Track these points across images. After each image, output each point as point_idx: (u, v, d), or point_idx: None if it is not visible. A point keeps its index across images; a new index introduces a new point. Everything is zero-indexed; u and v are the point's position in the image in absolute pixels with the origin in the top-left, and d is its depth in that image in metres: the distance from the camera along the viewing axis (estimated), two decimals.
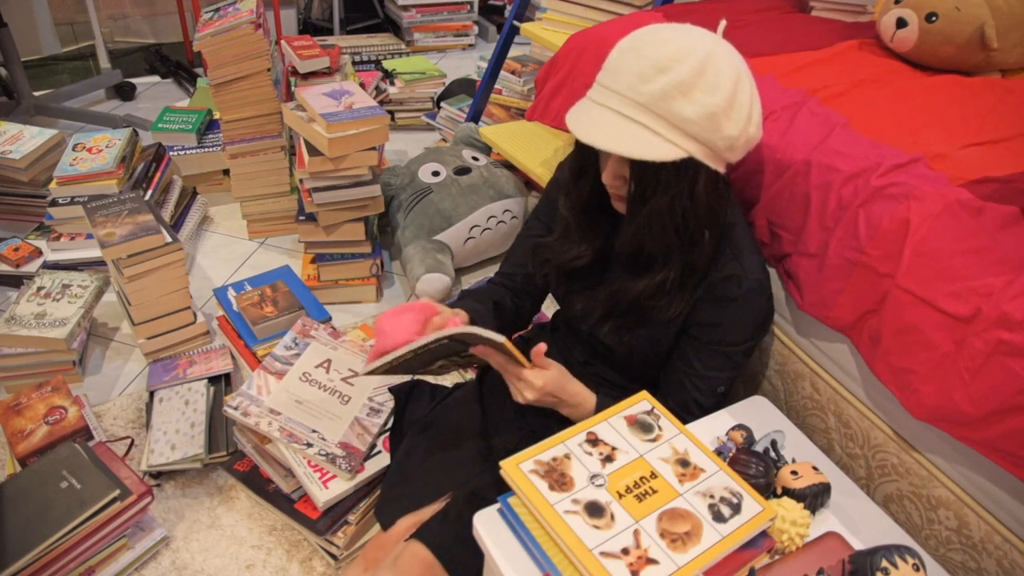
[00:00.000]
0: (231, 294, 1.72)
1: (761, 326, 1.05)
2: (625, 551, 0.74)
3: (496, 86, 2.40)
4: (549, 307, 1.75)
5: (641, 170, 0.92)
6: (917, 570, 0.79)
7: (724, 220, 1.00)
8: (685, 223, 0.95)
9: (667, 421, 0.90)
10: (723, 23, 0.98)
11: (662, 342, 1.08)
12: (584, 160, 1.04)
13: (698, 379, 1.06)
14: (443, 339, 0.91)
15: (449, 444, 1.20)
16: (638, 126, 0.89)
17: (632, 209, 0.98)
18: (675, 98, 0.87)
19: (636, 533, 0.76)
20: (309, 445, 1.26)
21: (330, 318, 1.67)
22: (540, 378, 0.98)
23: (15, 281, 1.80)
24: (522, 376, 0.98)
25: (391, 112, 2.70)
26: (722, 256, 1.01)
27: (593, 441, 0.87)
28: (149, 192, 1.90)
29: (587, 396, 1.04)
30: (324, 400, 1.35)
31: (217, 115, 2.00)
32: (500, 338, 0.90)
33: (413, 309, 1.03)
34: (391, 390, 1.36)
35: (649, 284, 1.01)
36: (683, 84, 0.86)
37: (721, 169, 0.95)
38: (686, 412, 1.07)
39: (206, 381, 1.51)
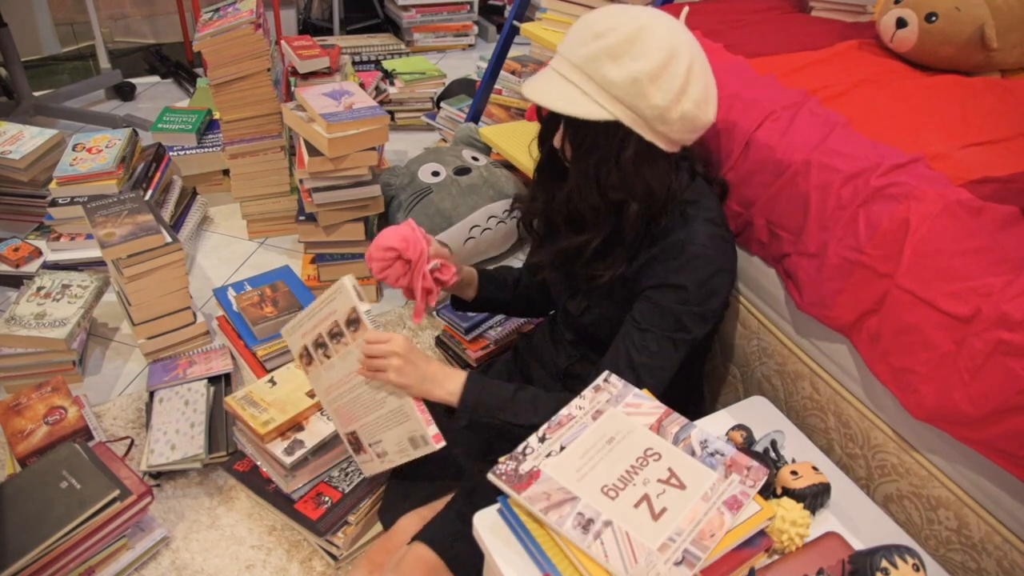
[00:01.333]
0: (231, 294, 1.72)
1: (706, 296, 1.03)
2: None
3: (496, 86, 2.39)
4: None
5: (575, 130, 1.00)
6: (917, 570, 0.79)
7: (666, 196, 1.02)
8: (610, 187, 1.00)
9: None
10: (685, 10, 1.05)
11: (615, 311, 1.09)
12: (547, 127, 1.11)
13: (634, 333, 1.05)
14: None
15: (448, 441, 1.20)
16: (570, 85, 0.96)
17: (570, 170, 1.05)
18: (603, 61, 0.93)
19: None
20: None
21: None
22: (389, 336, 1.03)
23: (15, 281, 1.80)
24: (377, 337, 1.03)
25: (391, 112, 2.70)
26: (673, 228, 1.03)
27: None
28: (149, 192, 1.90)
29: (450, 370, 1.06)
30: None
31: (217, 115, 2.00)
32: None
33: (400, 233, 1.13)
34: None
35: (576, 242, 1.07)
36: (612, 49, 0.93)
37: (659, 143, 0.97)
38: (620, 374, 1.04)
39: (206, 381, 1.51)
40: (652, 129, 0.96)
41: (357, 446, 1.18)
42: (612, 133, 0.96)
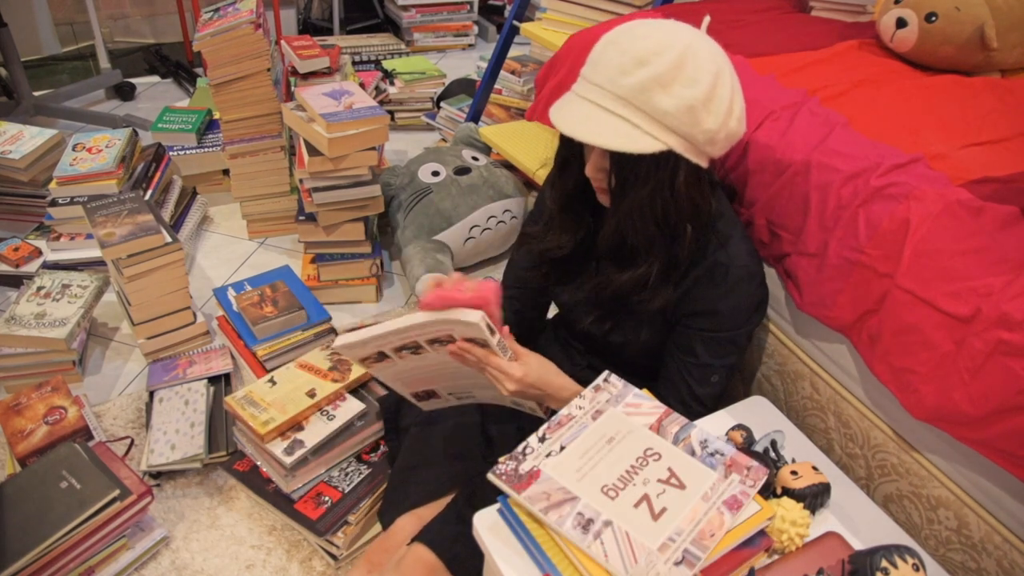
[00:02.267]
0: (231, 294, 1.72)
1: (753, 313, 1.05)
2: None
3: (496, 86, 2.40)
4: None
5: (621, 163, 0.93)
6: (917, 570, 0.79)
7: (708, 212, 1.00)
8: (666, 216, 0.96)
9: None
10: (707, 19, 0.99)
11: (648, 333, 1.09)
12: (568, 153, 1.05)
13: (693, 367, 1.06)
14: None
15: (448, 441, 1.20)
16: (617, 119, 0.90)
17: (614, 202, 0.98)
18: (654, 91, 0.87)
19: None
20: None
21: (330, 318, 1.67)
22: (519, 369, 0.97)
23: (15, 281, 1.80)
24: (502, 368, 0.97)
25: (391, 112, 2.70)
26: (708, 246, 1.01)
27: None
28: (149, 192, 1.90)
29: (574, 389, 1.02)
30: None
31: (217, 115, 2.00)
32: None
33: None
34: (379, 400, 1.37)
35: (632, 277, 1.02)
36: (662, 77, 0.87)
37: (702, 163, 0.95)
38: (685, 406, 1.07)
39: (206, 381, 1.51)
40: (700, 152, 0.93)
41: (425, 396, 1.14)
42: (664, 162, 0.92)
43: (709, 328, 1.04)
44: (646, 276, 1.01)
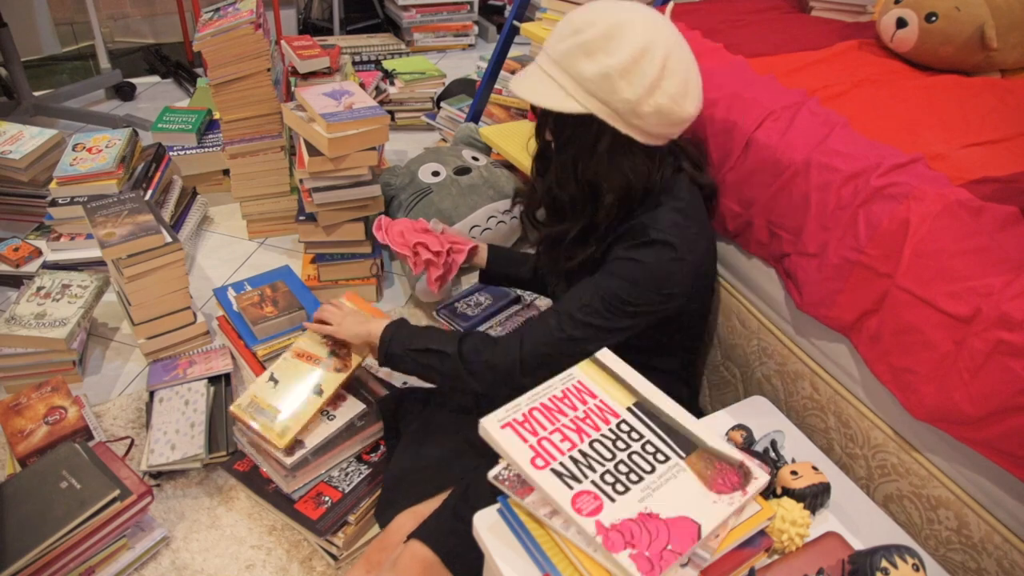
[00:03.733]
0: (231, 294, 1.72)
1: (648, 289, 1.02)
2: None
3: (496, 86, 2.39)
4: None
5: (554, 122, 1.06)
6: (917, 570, 0.79)
7: (640, 187, 1.04)
8: (586, 178, 1.05)
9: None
10: (670, 5, 1.10)
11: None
12: (540, 120, 1.13)
13: (567, 300, 1.07)
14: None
15: (445, 439, 1.21)
16: (550, 80, 1.01)
17: (552, 160, 1.10)
18: (578, 56, 0.97)
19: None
20: None
21: None
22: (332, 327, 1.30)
23: (15, 281, 1.80)
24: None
25: (391, 112, 2.70)
26: (635, 213, 1.06)
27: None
28: (149, 192, 1.90)
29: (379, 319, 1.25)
30: None
31: (217, 115, 2.00)
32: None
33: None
34: (378, 400, 1.37)
35: (555, 230, 1.13)
36: (587, 45, 0.96)
37: (635, 135, 0.99)
38: (553, 312, 1.08)
39: (206, 381, 1.51)
40: (627, 122, 0.98)
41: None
42: (588, 125, 1.00)
43: (613, 268, 1.04)
44: (565, 232, 1.11)
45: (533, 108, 1.17)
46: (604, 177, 1.04)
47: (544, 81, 1.01)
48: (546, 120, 1.09)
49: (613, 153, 1.02)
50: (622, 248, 1.04)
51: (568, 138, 1.04)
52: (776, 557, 0.85)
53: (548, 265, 1.25)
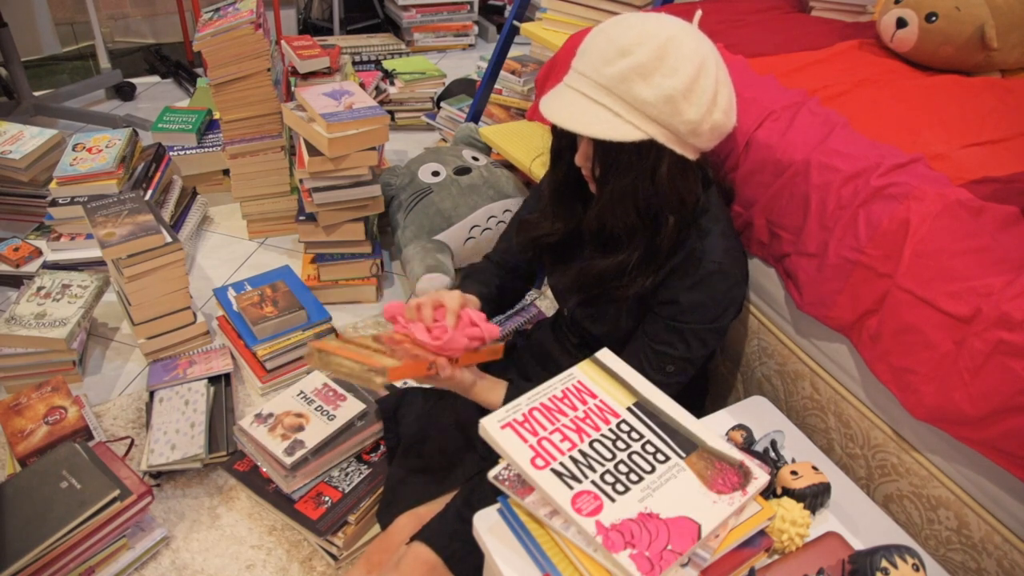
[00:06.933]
0: (231, 294, 1.72)
1: (720, 313, 1.03)
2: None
3: (496, 86, 2.39)
4: (549, 308, 1.76)
5: (604, 151, 0.95)
6: (917, 570, 0.79)
7: (693, 205, 1.01)
8: (647, 205, 0.98)
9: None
10: (698, 13, 1.01)
11: (628, 322, 1.10)
12: (561, 143, 1.07)
13: (650, 350, 1.06)
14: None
15: (446, 441, 1.21)
16: (600, 107, 0.92)
17: (598, 189, 1.01)
18: (634, 80, 0.89)
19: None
20: None
21: (330, 318, 1.67)
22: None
23: (15, 281, 1.81)
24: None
25: (391, 112, 2.70)
26: (688, 238, 1.02)
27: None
28: (149, 192, 1.90)
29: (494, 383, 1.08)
30: None
31: (217, 115, 2.00)
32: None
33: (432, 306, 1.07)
34: (377, 402, 1.37)
35: (613, 263, 1.04)
36: (642, 67, 0.89)
37: (688, 154, 0.96)
38: None
39: (206, 381, 1.51)
40: (683, 143, 0.94)
41: None
42: (646, 151, 0.93)
43: (671, 316, 1.04)
44: (626, 263, 1.03)
45: (554, 131, 1.06)
46: (663, 200, 0.97)
47: (592, 109, 0.92)
48: (572, 143, 1.03)
49: (671, 175, 0.95)
50: (684, 288, 1.01)
51: (624, 166, 0.95)
52: (776, 557, 0.85)
53: (569, 289, 1.16)
